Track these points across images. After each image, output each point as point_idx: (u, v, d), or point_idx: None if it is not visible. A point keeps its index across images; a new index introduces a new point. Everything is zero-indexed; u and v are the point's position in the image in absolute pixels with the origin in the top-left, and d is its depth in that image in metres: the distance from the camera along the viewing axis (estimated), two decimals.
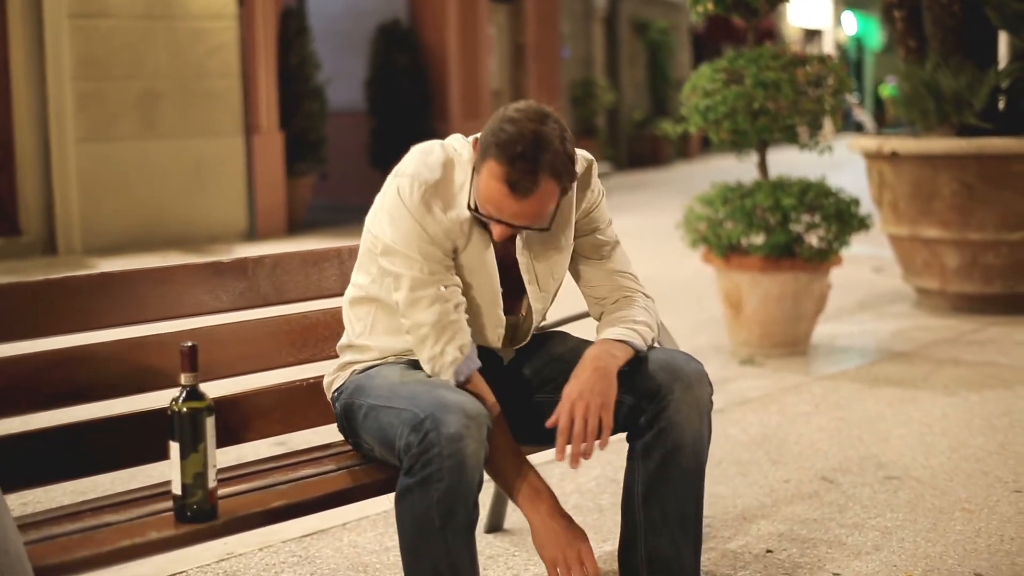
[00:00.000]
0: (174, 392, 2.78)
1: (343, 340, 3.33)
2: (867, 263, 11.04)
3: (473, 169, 3.05)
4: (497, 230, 3.02)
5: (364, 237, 3.20)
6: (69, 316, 3.13)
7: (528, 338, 3.35)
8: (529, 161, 2.87)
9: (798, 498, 4.70)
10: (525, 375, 3.30)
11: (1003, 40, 9.70)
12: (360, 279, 3.25)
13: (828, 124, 7.40)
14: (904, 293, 9.39)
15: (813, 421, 5.83)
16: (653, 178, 24.27)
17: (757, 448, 5.40)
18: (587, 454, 2.97)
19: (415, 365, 3.16)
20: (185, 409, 2.74)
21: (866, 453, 5.27)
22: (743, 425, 5.77)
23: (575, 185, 3.23)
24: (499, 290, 3.16)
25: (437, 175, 3.06)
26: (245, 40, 14.36)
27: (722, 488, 4.82)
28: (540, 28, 21.81)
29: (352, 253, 3.62)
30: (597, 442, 3.00)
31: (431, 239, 3.02)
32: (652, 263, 11.20)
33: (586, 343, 3.27)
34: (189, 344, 2.75)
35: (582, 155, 3.27)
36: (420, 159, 3.09)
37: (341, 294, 3.58)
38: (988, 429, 5.61)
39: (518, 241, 3.20)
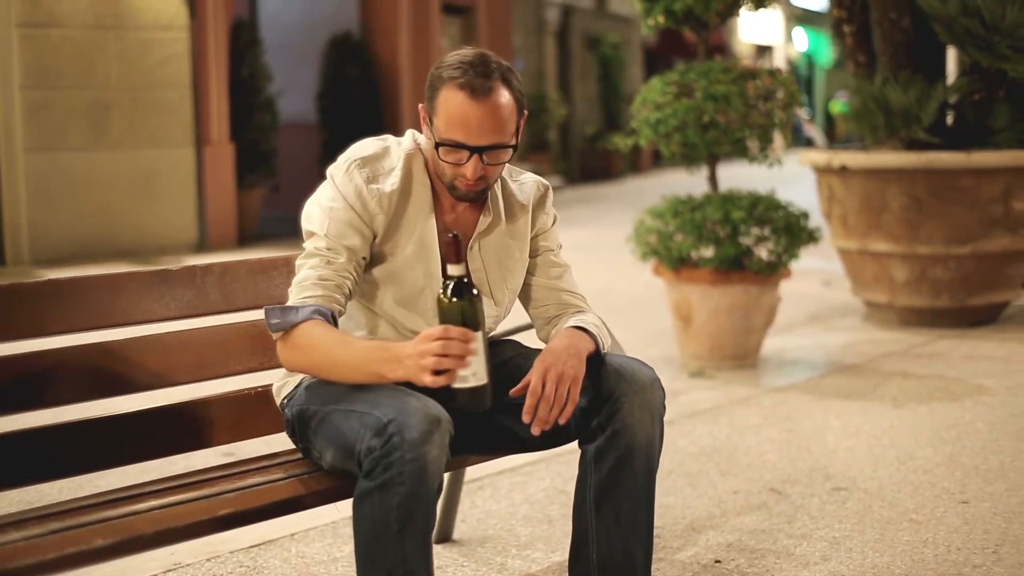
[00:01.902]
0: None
1: None
2: (817, 276, 11.10)
3: (427, 123, 3.14)
4: (469, 168, 3.05)
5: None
6: (16, 323, 3.10)
7: None
8: (480, 68, 3.03)
9: (747, 509, 4.72)
10: None
11: (951, 55, 9.78)
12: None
13: (779, 139, 7.44)
14: (853, 306, 9.45)
15: (762, 433, 5.85)
16: (605, 192, 24.34)
17: (707, 459, 5.41)
18: (550, 422, 2.96)
19: None
20: (473, 296, 2.81)
21: (815, 464, 5.29)
22: (692, 437, 5.78)
23: (531, 200, 3.36)
24: (440, 277, 3.17)
25: (368, 152, 3.19)
26: (196, 51, 14.32)
27: (671, 499, 4.83)
28: (492, 41, 21.84)
29: None
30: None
31: (348, 206, 3.11)
32: (603, 276, 11.24)
33: (537, 352, 3.28)
34: (452, 234, 2.81)
35: (539, 180, 3.43)
36: (358, 144, 3.24)
37: None
38: (936, 441, 5.64)
39: (473, 247, 3.24)
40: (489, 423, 3.23)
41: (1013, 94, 8.70)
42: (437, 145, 3.07)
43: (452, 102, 3.02)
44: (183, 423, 3.38)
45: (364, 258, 3.14)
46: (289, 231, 15.86)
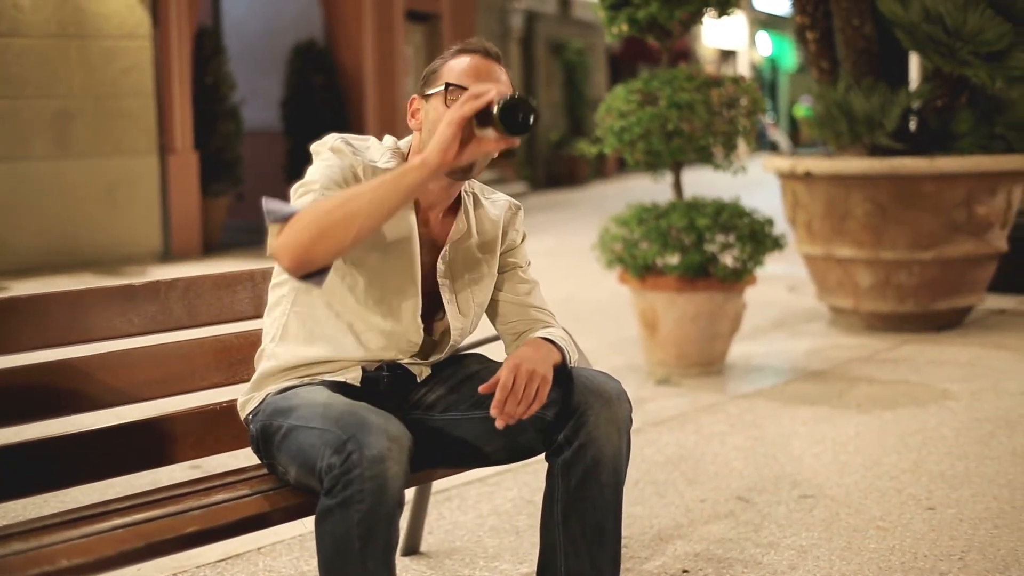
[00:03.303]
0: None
1: (259, 349, 3.32)
2: (782, 282, 11.13)
3: (425, 98, 3.17)
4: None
5: None
6: None
7: (443, 355, 3.35)
8: (480, 43, 3.16)
9: (714, 518, 4.72)
10: (439, 393, 3.30)
11: (914, 62, 9.83)
12: (275, 280, 3.28)
13: (743, 144, 7.46)
14: (818, 312, 9.48)
15: (729, 441, 5.86)
16: (570, 198, 24.36)
17: (673, 468, 5.42)
18: (515, 417, 2.96)
19: (334, 387, 3.15)
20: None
21: (781, 472, 5.31)
22: (659, 445, 5.78)
23: (502, 218, 3.39)
24: (418, 282, 3.18)
25: (351, 136, 3.20)
26: (160, 60, 14.29)
27: (639, 508, 4.83)
28: None
29: (265, 276, 3.61)
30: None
31: (339, 164, 3.08)
32: (569, 283, 11.25)
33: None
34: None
35: (512, 200, 3.46)
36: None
37: (254, 317, 3.57)
38: (901, 447, 5.66)
39: (445, 255, 3.25)
40: (453, 438, 3.23)
41: (975, 100, 8.75)
42: (446, 87, 3.09)
43: (463, 61, 3.12)
44: (148, 439, 3.36)
45: None
46: (254, 240, 15.87)
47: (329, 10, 18.41)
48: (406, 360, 3.29)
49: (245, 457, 3.49)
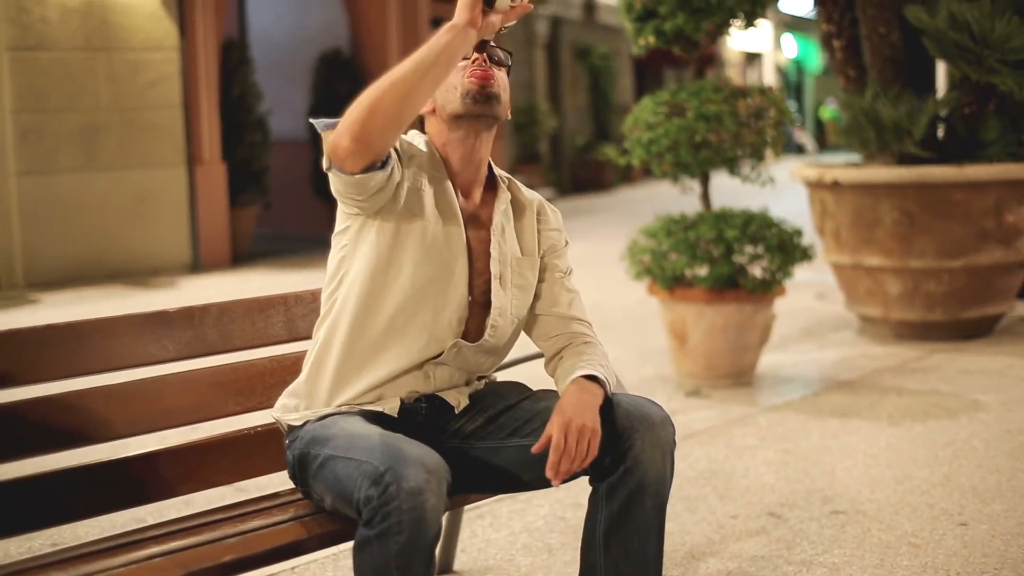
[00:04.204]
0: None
1: (308, 351, 3.34)
2: (811, 289, 11.11)
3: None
4: (476, 60, 3.25)
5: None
6: (12, 369, 3.10)
7: (485, 336, 3.33)
8: None
9: (746, 535, 4.72)
10: (478, 423, 3.30)
11: (941, 69, 9.80)
12: (327, 289, 3.28)
13: (769, 151, 7.45)
14: (847, 320, 9.46)
15: (759, 454, 5.86)
16: (596, 203, 24.34)
17: (704, 483, 5.42)
18: (568, 474, 2.99)
19: (372, 418, 3.16)
20: None
21: (812, 487, 5.30)
22: (690, 460, 5.78)
23: (536, 204, 3.44)
24: (464, 245, 3.22)
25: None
26: (186, 71, 14.33)
27: (670, 525, 4.79)
28: None
29: (297, 300, 3.63)
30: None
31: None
32: (597, 291, 11.24)
33: (544, 392, 3.30)
34: None
35: (544, 200, 3.50)
36: None
37: (287, 341, 3.60)
38: (933, 460, 5.65)
39: (494, 229, 3.29)
40: (492, 465, 3.23)
41: (1003, 107, 8.73)
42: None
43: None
44: (182, 465, 3.38)
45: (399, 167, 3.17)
46: (282, 249, 15.92)
47: (355, 19, 18.43)
48: (445, 389, 3.28)
49: (280, 480, 3.51)
